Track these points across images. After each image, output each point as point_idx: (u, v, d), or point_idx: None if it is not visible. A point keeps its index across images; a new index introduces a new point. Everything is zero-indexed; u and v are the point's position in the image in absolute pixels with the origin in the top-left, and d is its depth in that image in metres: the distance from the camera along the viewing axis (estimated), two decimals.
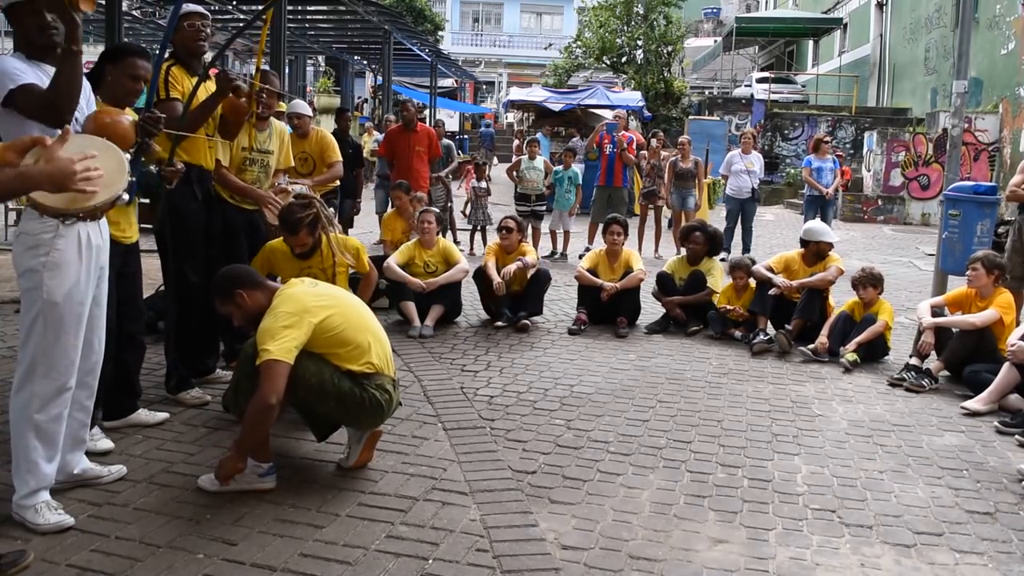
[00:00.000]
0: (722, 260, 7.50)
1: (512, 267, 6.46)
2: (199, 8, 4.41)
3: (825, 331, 5.97)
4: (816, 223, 7.05)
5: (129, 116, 3.27)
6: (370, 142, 15.37)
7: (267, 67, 4.80)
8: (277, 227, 4.73)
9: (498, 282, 6.38)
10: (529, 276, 6.55)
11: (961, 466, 4.01)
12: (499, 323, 6.38)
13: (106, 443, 3.68)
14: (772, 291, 6.32)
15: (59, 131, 2.53)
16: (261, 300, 3.43)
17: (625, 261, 6.76)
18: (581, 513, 3.31)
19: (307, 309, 3.32)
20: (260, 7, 14.08)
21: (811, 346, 5.89)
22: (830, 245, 6.49)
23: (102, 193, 2.75)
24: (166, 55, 4.12)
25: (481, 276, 6.56)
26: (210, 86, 4.33)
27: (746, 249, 10.24)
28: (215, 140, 4.45)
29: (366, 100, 30.13)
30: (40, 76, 2.97)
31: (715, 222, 8.83)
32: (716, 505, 3.44)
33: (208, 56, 4.65)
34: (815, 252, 6.48)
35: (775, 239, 12.92)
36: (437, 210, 7.07)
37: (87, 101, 3.21)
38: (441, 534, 3.07)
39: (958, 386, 5.29)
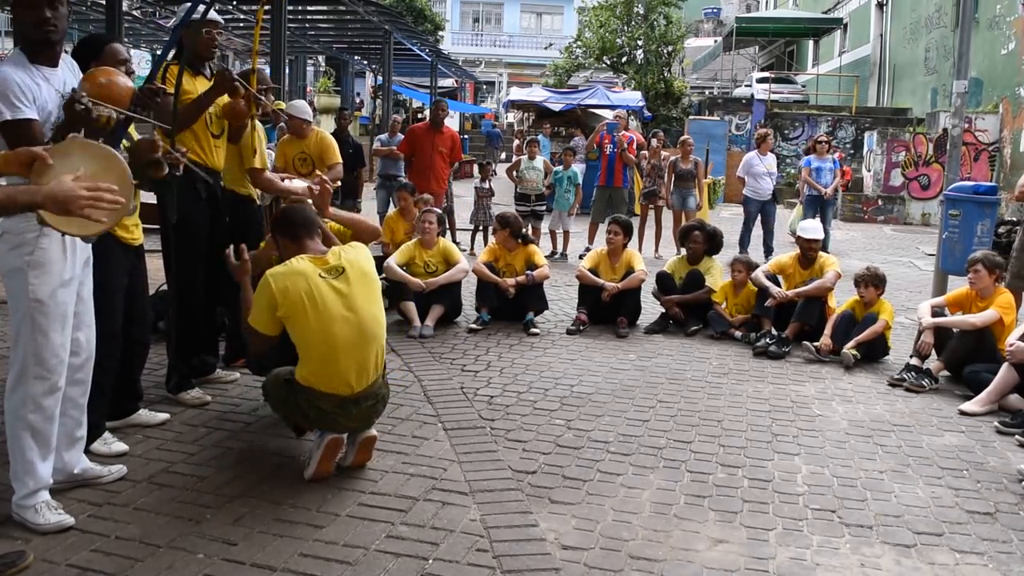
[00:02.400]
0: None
1: (520, 279, 6.54)
2: (218, 17, 4.52)
3: (828, 331, 5.97)
4: (807, 222, 7.07)
5: (125, 77, 3.20)
6: None
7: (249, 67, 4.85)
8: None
9: (507, 284, 6.51)
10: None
11: (961, 466, 4.01)
12: (473, 326, 6.36)
13: (120, 446, 3.68)
14: (768, 302, 6.33)
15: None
16: (284, 253, 3.65)
17: (627, 261, 6.76)
18: (581, 513, 3.31)
19: (278, 296, 3.41)
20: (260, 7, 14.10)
21: (815, 344, 5.89)
22: (816, 241, 6.49)
23: (112, 216, 2.55)
24: (170, 56, 4.17)
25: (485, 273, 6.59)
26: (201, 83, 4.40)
27: (768, 252, 10.18)
28: (221, 140, 4.51)
29: (361, 101, 30.14)
30: (40, 83, 2.90)
31: (715, 222, 8.82)
32: (716, 505, 3.44)
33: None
34: (806, 252, 6.48)
35: (775, 239, 12.91)
36: (439, 210, 7.07)
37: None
38: (441, 534, 3.07)
39: (958, 386, 5.29)
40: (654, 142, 11.72)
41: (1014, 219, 6.50)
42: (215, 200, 4.53)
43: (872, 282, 5.95)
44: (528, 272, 6.57)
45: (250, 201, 4.92)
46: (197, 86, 4.31)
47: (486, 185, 10.55)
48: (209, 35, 4.37)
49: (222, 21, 4.59)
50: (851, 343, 5.75)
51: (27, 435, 2.95)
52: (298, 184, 5.03)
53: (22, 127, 2.80)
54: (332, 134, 8.10)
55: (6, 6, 3.56)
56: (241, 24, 16.29)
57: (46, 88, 2.92)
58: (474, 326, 6.35)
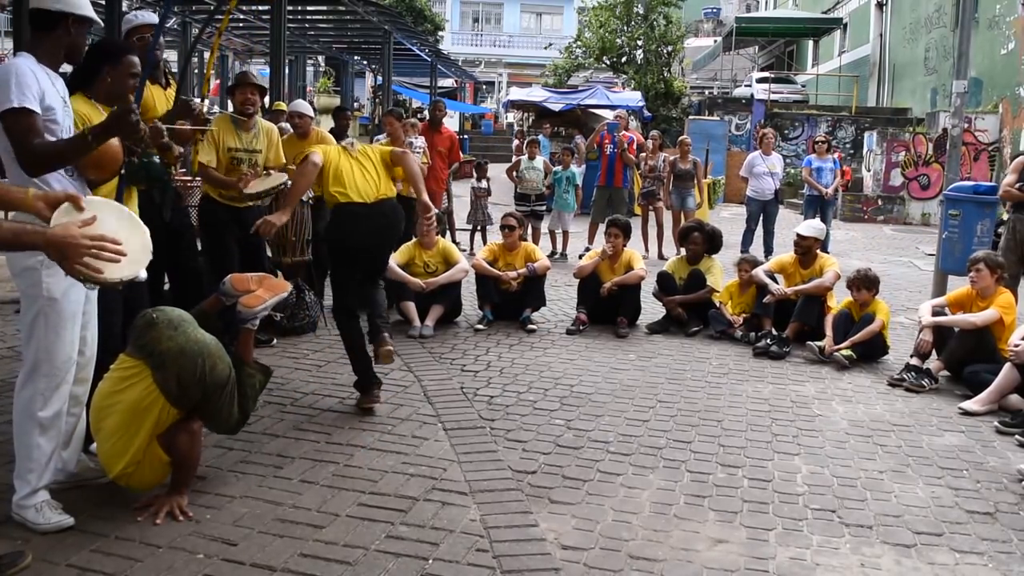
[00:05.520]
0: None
1: (522, 272, 6.56)
2: (150, 19, 4.52)
3: (829, 331, 5.96)
4: (807, 221, 7.09)
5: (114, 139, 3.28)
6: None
7: (248, 69, 4.95)
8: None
9: (509, 277, 6.53)
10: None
11: (961, 466, 4.01)
12: (479, 326, 6.38)
13: None
14: (767, 299, 6.33)
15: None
16: None
17: (626, 261, 6.76)
18: (581, 513, 3.31)
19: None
20: (260, 7, 14.10)
21: (819, 343, 5.88)
22: (816, 240, 6.50)
23: (121, 269, 2.42)
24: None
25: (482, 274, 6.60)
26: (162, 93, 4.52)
27: (768, 251, 10.23)
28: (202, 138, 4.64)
29: (359, 102, 30.09)
30: (45, 83, 2.93)
31: (715, 222, 8.82)
32: (716, 505, 3.44)
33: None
34: (805, 251, 6.48)
35: (776, 239, 12.91)
36: (438, 211, 7.07)
37: (68, 102, 3.12)
38: (441, 534, 3.07)
39: (958, 386, 5.29)
40: (649, 143, 11.73)
41: (1007, 218, 6.49)
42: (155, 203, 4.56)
43: (864, 284, 5.95)
44: (529, 265, 6.59)
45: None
46: (154, 94, 4.37)
47: (483, 184, 10.55)
48: (143, 40, 4.30)
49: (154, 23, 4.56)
50: (846, 343, 5.74)
51: (36, 432, 2.97)
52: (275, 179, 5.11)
53: (26, 116, 2.82)
54: (330, 132, 8.11)
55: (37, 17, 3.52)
56: (241, 24, 16.28)
57: (51, 88, 2.96)
58: (479, 326, 6.35)
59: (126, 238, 2.42)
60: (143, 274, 2.86)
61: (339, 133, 9.07)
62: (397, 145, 7.46)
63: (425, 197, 4.51)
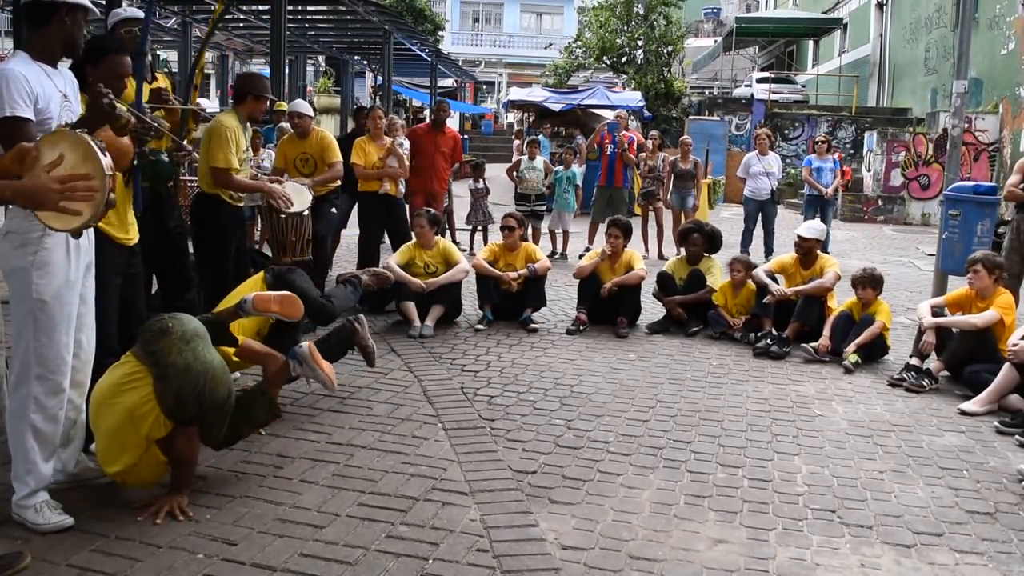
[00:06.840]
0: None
1: (522, 272, 6.57)
2: (137, 14, 4.52)
3: (827, 331, 5.97)
4: (807, 222, 7.09)
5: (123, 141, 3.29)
6: None
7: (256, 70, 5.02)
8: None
9: (510, 277, 6.53)
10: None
11: (961, 466, 4.01)
12: (479, 326, 6.38)
13: None
14: (767, 299, 6.33)
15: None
16: None
17: (626, 262, 6.76)
18: (581, 513, 3.31)
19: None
20: (260, 7, 14.11)
21: (813, 344, 5.89)
22: (817, 241, 6.50)
23: (91, 208, 2.56)
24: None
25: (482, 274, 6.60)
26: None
27: (769, 252, 10.23)
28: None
29: (359, 102, 30.08)
30: (43, 80, 2.92)
31: (715, 222, 8.82)
32: (716, 505, 3.44)
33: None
34: (806, 252, 6.48)
35: (776, 239, 12.91)
36: (432, 211, 7.05)
37: (75, 96, 3.14)
38: (441, 534, 3.07)
39: (958, 386, 5.29)
40: (649, 143, 11.74)
41: (1011, 219, 6.49)
42: (160, 203, 4.56)
43: (869, 283, 5.95)
44: (529, 265, 6.59)
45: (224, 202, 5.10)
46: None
47: (481, 185, 10.55)
48: (130, 33, 4.33)
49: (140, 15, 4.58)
50: (851, 347, 5.74)
51: (30, 435, 2.96)
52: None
53: (17, 125, 2.80)
54: (351, 133, 8.08)
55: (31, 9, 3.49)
56: (241, 24, 16.29)
57: (48, 85, 2.95)
58: (479, 326, 6.35)
59: (80, 166, 2.52)
60: (112, 196, 2.73)
61: (360, 133, 8.98)
62: (376, 139, 7.42)
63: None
